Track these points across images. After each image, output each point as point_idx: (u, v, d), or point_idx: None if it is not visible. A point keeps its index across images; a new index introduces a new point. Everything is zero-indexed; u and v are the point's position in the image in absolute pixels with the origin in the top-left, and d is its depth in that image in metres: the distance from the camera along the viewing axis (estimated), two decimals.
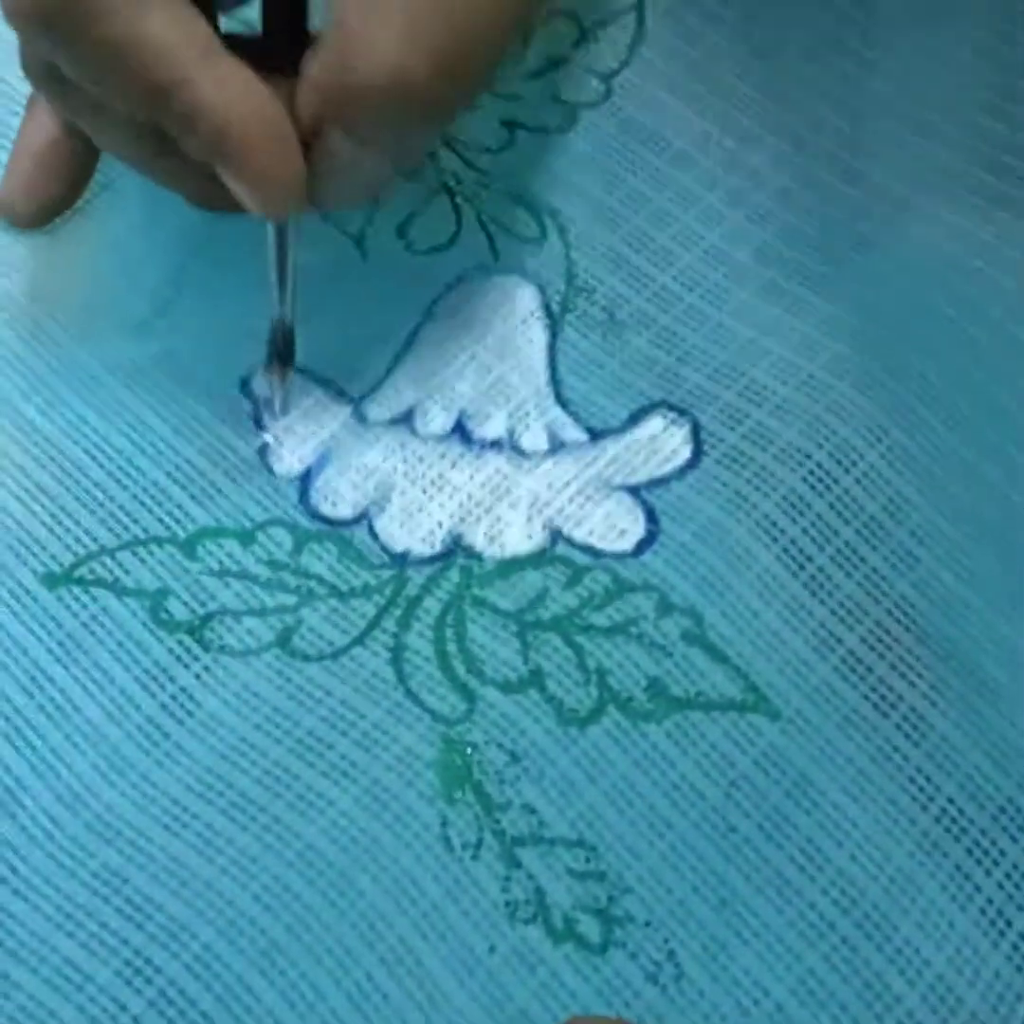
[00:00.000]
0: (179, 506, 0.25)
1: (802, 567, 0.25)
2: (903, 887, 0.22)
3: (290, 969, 0.20)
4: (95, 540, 0.24)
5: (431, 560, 0.25)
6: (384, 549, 0.25)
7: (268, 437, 0.26)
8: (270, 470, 0.25)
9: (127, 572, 0.24)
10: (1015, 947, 0.22)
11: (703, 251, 0.28)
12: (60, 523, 0.24)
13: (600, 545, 0.25)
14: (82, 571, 0.24)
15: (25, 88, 0.24)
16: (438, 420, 0.26)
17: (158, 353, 0.26)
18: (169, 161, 0.22)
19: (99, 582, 0.24)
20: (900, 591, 0.25)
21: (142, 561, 0.24)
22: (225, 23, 0.21)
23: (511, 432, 0.26)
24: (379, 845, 0.22)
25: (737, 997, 0.21)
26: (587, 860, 0.22)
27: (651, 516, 0.25)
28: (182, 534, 0.24)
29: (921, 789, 0.23)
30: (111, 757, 0.22)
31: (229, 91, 0.20)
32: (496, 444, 0.26)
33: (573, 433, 0.26)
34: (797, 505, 0.25)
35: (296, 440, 0.26)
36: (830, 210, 0.29)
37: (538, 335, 0.27)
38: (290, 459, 0.26)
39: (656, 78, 0.30)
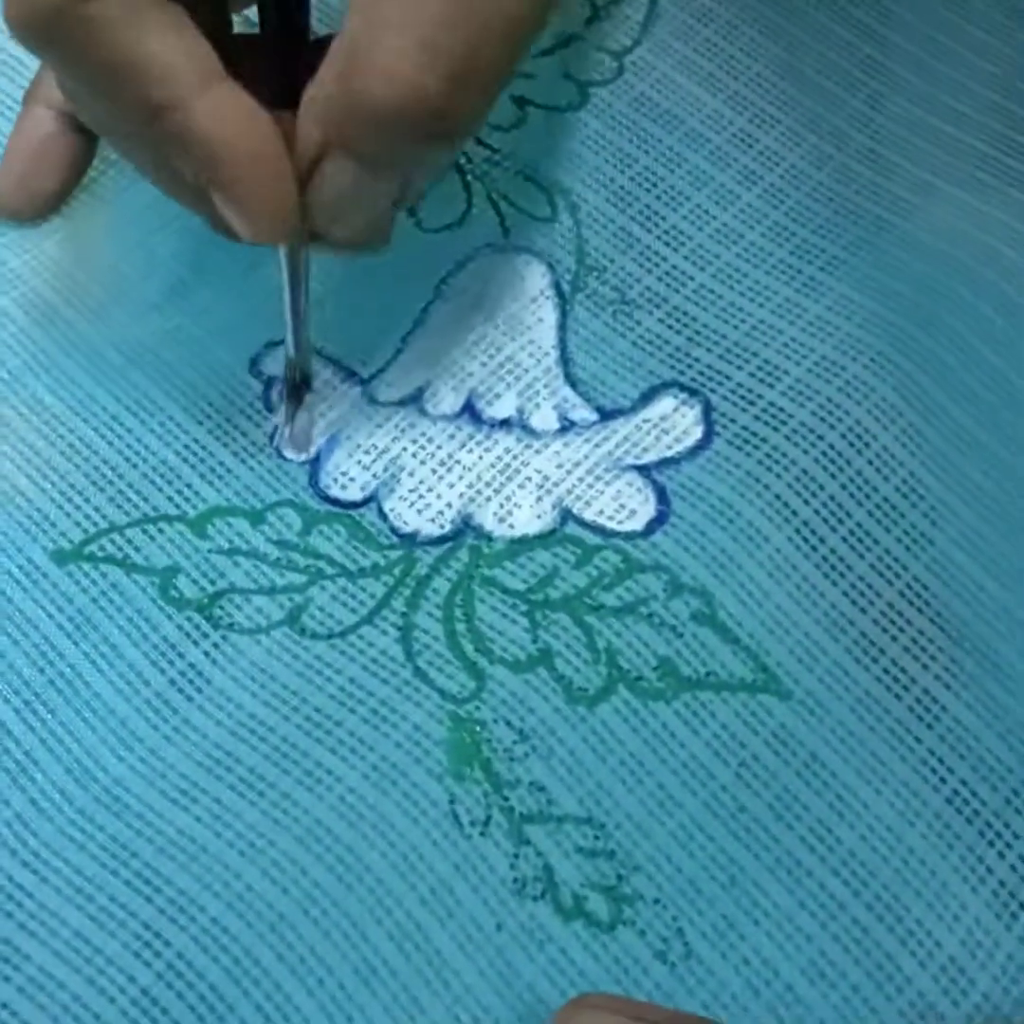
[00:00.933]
0: (189, 485, 0.25)
1: (814, 548, 0.24)
2: (915, 869, 0.22)
3: (298, 943, 0.20)
4: (105, 517, 0.24)
5: (440, 540, 0.25)
6: (393, 530, 0.25)
7: (277, 420, 0.26)
8: (280, 453, 0.25)
9: (137, 549, 0.24)
10: None
11: (714, 230, 0.28)
12: (70, 500, 0.24)
13: (610, 525, 0.25)
14: (92, 548, 0.24)
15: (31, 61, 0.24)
16: (448, 400, 0.26)
17: (169, 333, 0.26)
18: (171, 175, 0.22)
19: (109, 559, 0.24)
20: (913, 573, 0.24)
21: (152, 539, 0.24)
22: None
23: (521, 411, 0.26)
24: (387, 821, 0.22)
25: (746, 976, 0.21)
26: (596, 838, 0.22)
27: (662, 496, 0.25)
28: (192, 512, 0.24)
29: (933, 771, 0.23)
30: (120, 732, 0.22)
31: (222, 117, 0.20)
32: (506, 424, 0.26)
33: (583, 413, 0.26)
34: (810, 486, 0.25)
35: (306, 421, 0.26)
36: (844, 190, 0.29)
37: (548, 314, 0.27)
38: None
39: (668, 56, 0.30)
